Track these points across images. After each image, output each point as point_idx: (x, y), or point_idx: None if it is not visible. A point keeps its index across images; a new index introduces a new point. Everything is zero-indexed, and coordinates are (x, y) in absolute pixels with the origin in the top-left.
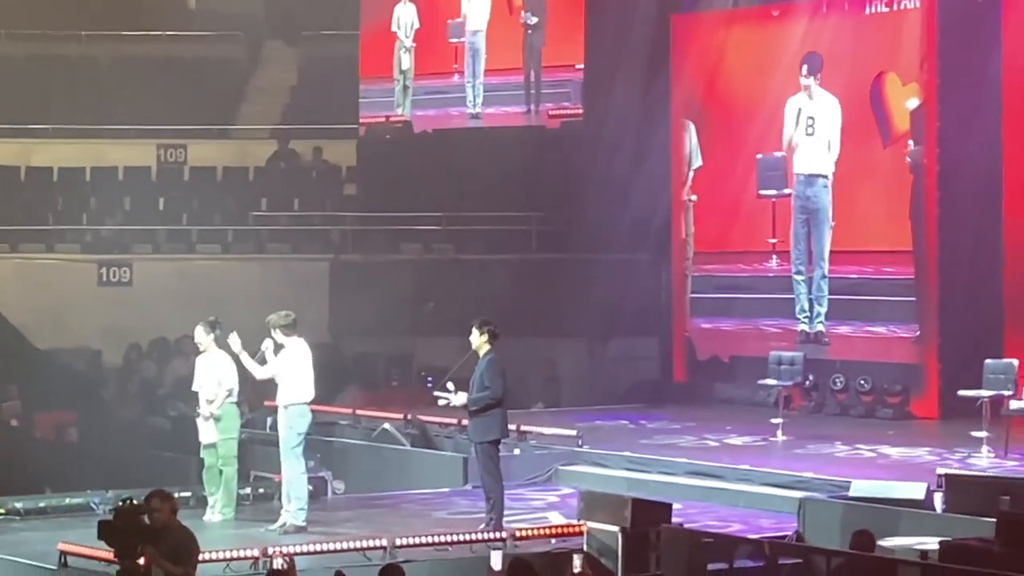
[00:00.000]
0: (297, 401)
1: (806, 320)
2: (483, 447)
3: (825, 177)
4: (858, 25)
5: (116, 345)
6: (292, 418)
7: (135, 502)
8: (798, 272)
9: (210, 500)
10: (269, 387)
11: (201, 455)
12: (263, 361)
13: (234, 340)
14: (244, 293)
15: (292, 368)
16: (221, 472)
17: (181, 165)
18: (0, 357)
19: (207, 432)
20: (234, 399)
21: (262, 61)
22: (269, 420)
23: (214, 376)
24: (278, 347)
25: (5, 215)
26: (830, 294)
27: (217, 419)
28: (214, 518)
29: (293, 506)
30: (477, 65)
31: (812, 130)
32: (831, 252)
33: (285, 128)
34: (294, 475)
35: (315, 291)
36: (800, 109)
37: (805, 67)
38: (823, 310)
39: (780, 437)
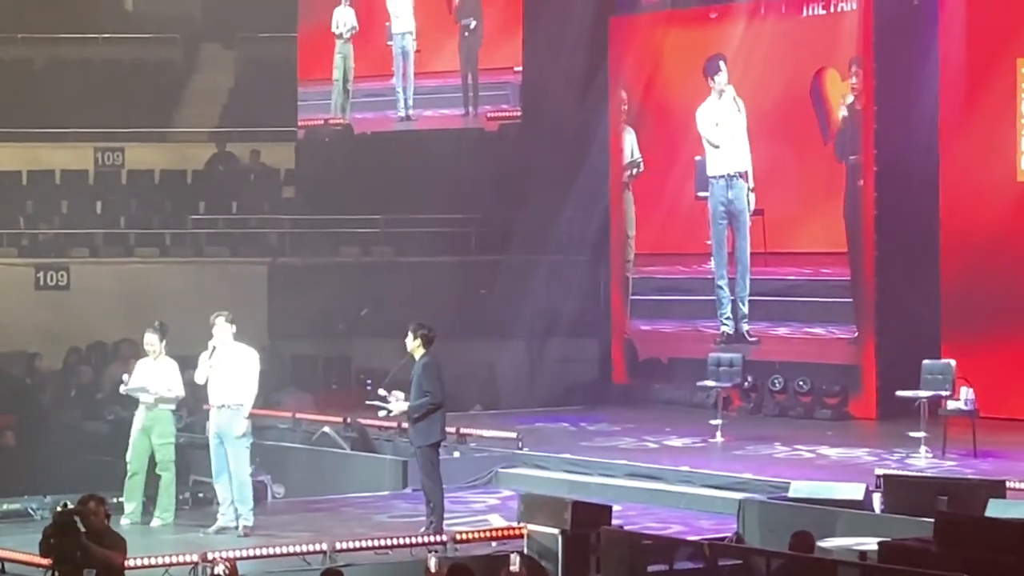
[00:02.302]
0: (248, 401)
1: (728, 322)
2: (423, 451)
3: (744, 178)
4: (795, 27)
5: (54, 349)
6: (243, 417)
7: (71, 506)
8: (721, 277)
9: (127, 507)
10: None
11: (127, 459)
12: (210, 356)
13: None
14: (182, 296)
15: (252, 367)
16: (160, 477)
17: (118, 168)
18: None
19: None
20: (174, 405)
21: (199, 63)
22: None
23: (163, 382)
24: (220, 346)
25: None
26: (768, 295)
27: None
28: (152, 523)
29: (244, 507)
30: (407, 67)
31: (728, 130)
32: (770, 254)
33: (223, 131)
34: (246, 475)
35: (253, 294)
36: (712, 112)
37: (717, 65)
38: (746, 310)
39: (719, 438)
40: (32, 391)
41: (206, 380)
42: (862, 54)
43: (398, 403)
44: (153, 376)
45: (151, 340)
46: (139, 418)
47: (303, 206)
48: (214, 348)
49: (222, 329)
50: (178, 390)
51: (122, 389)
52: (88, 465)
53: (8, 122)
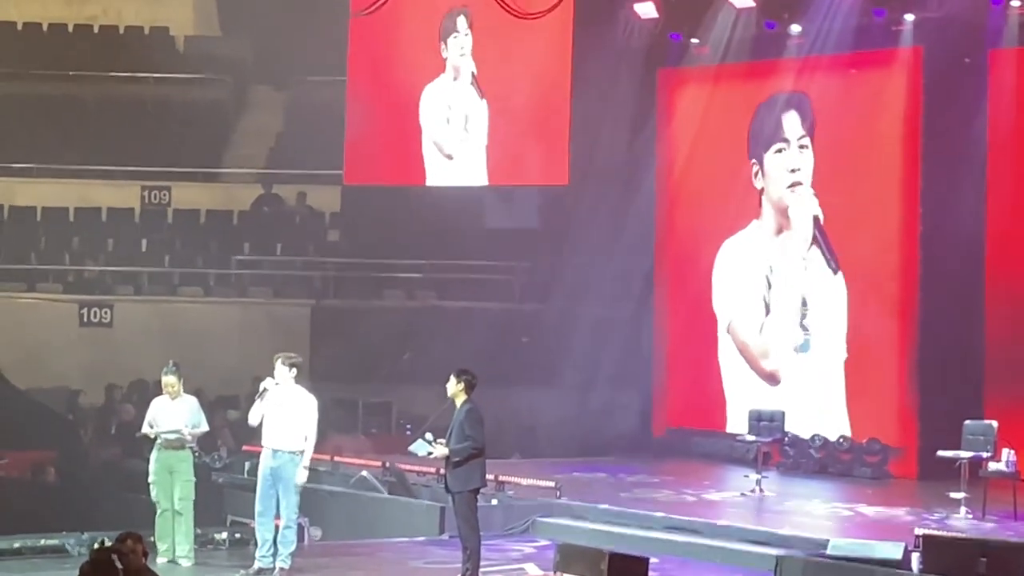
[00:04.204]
0: (309, 450)
1: None
2: (463, 496)
3: None
4: (844, 84)
5: (96, 386)
6: (304, 466)
7: (108, 543)
8: None
9: (160, 546)
10: (251, 431)
11: (153, 498)
12: (260, 397)
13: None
14: (225, 337)
15: (311, 414)
16: (177, 514)
17: (165, 207)
18: None
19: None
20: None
21: (248, 105)
22: (247, 464)
23: (191, 420)
24: (275, 387)
25: None
26: None
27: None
28: (183, 564)
29: (286, 549)
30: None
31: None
32: None
33: (270, 172)
34: (294, 520)
35: (296, 336)
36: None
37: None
38: None
39: (758, 493)
40: (73, 427)
41: (260, 421)
42: (911, 111)
43: (440, 447)
44: (177, 415)
45: (171, 381)
46: (160, 457)
47: (348, 249)
48: (264, 389)
49: (279, 371)
50: (204, 426)
51: (151, 432)
52: (127, 503)
53: (57, 158)
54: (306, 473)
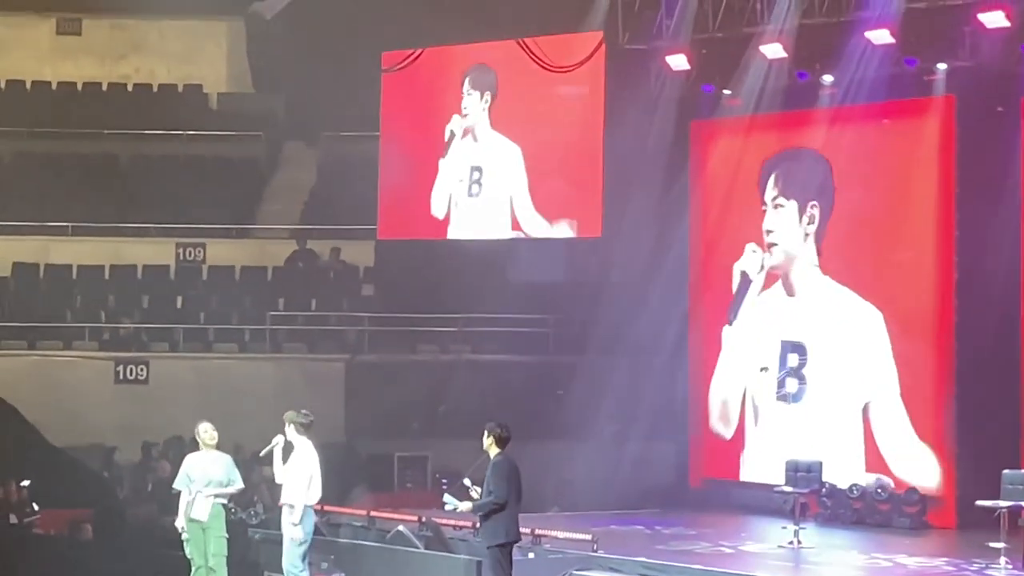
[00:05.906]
0: (306, 502)
1: None
2: (492, 551)
3: None
4: (877, 134)
5: (132, 443)
6: (290, 519)
7: None
8: None
9: None
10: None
11: (188, 554)
12: (270, 455)
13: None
14: (260, 392)
15: (307, 469)
16: (211, 570)
17: (199, 264)
18: (16, 453)
19: (201, 510)
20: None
21: (282, 161)
22: None
23: (225, 476)
24: (288, 444)
25: (24, 312)
26: None
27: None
28: None
29: None
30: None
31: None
32: None
33: (304, 228)
34: (294, 572)
35: (331, 391)
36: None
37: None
38: None
39: (796, 545)
40: (109, 484)
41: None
42: (944, 160)
43: (464, 503)
44: (211, 472)
45: (212, 432)
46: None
47: (382, 304)
48: (273, 444)
49: (287, 427)
50: (239, 483)
51: (188, 491)
52: (164, 560)
53: (92, 217)
54: (290, 526)
